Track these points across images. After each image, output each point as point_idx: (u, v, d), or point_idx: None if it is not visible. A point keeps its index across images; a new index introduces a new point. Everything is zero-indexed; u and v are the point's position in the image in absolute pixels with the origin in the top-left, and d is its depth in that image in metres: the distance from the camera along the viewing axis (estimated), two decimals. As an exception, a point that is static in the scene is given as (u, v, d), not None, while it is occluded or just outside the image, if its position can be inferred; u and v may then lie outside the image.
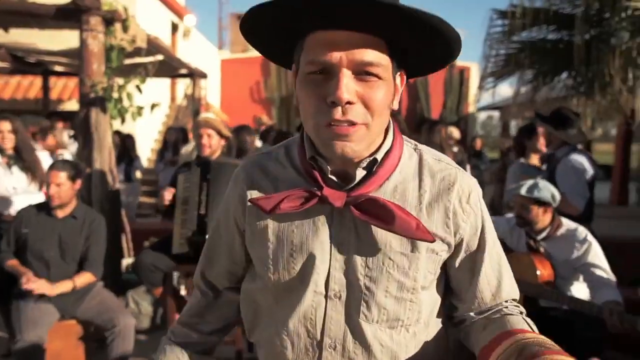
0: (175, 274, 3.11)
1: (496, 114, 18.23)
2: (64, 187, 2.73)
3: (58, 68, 6.93)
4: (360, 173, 0.85)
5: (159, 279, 2.82)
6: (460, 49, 0.82)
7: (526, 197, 2.47)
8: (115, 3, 3.81)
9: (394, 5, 0.73)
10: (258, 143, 6.97)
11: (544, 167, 3.52)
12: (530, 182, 2.54)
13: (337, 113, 0.76)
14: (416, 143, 0.95)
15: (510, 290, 0.96)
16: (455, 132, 5.08)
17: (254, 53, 15.39)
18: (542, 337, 0.80)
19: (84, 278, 2.69)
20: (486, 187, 5.59)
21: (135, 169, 6.42)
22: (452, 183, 0.89)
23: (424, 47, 0.83)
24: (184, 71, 7.34)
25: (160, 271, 2.82)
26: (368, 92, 0.78)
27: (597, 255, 2.40)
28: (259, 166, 0.95)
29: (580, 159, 3.03)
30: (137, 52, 4.43)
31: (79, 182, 2.85)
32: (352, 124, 0.78)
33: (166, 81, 10.68)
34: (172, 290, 2.94)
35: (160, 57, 5.90)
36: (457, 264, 0.92)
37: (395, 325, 0.88)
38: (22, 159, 3.19)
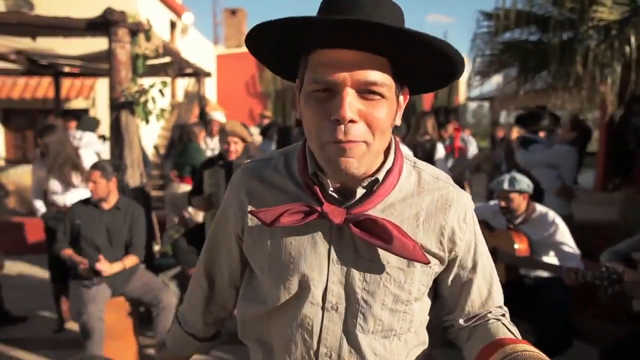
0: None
1: (486, 103, 18.71)
2: (100, 185, 3.13)
3: (67, 69, 7.31)
4: (360, 191, 0.88)
5: (194, 259, 3.26)
6: (463, 71, 0.84)
7: (508, 190, 2.92)
8: (137, 15, 4.20)
9: (400, 29, 0.75)
10: (258, 138, 7.38)
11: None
12: (507, 176, 2.97)
13: (340, 133, 0.77)
14: (415, 160, 0.97)
15: (497, 297, 1.01)
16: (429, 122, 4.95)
17: (250, 48, 15.68)
18: (529, 347, 0.84)
19: (130, 260, 3.14)
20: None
21: (146, 165, 6.82)
22: (449, 202, 0.92)
23: (427, 68, 0.84)
24: (189, 70, 7.71)
25: (195, 254, 3.26)
26: (371, 111, 0.79)
27: (564, 234, 2.87)
28: (258, 174, 0.96)
29: None
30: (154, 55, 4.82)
31: (114, 179, 3.25)
32: (354, 142, 0.79)
33: (167, 79, 11.02)
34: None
35: (168, 58, 6.30)
36: (450, 278, 0.96)
37: (389, 335, 0.91)
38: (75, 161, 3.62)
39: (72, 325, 3.83)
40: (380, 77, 0.79)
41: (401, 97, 0.87)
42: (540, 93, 6.38)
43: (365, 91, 0.79)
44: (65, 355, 3.26)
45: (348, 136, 0.78)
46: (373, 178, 0.87)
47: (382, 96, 0.80)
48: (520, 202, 2.92)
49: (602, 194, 10.16)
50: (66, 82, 9.66)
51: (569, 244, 2.87)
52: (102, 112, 9.32)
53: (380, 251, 0.88)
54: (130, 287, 3.14)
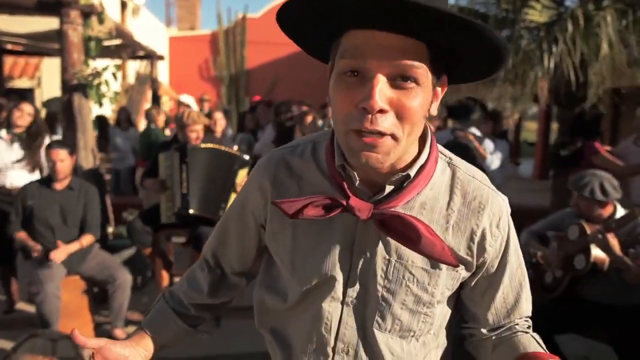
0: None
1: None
2: (66, 162, 3.20)
3: (9, 47, 7.06)
4: (389, 187, 0.82)
5: (149, 240, 3.37)
6: (508, 60, 0.76)
7: None
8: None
9: (451, 14, 0.67)
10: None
11: None
12: None
13: (367, 122, 0.72)
14: (451, 156, 0.90)
15: (525, 308, 0.95)
16: None
17: (203, 30, 15.38)
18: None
19: (87, 239, 3.21)
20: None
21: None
22: (483, 205, 0.86)
23: (471, 58, 0.76)
24: (141, 53, 7.61)
25: (149, 234, 3.37)
26: (403, 100, 0.72)
27: None
28: (284, 162, 0.92)
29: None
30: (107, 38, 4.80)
31: (74, 157, 3.32)
32: (381, 134, 0.73)
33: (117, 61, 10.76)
34: (160, 250, 3.50)
35: (120, 40, 6.22)
36: (473, 283, 0.91)
37: (407, 335, 0.89)
38: (29, 140, 3.57)
39: (23, 306, 3.85)
40: (415, 63, 0.72)
41: (439, 88, 0.80)
42: (481, 85, 6.79)
43: (399, 78, 0.72)
44: (17, 335, 3.29)
45: (375, 125, 0.72)
46: (404, 174, 0.81)
47: (417, 83, 0.73)
48: None
49: (540, 181, 10.89)
50: (8, 60, 9.25)
51: None
52: (48, 92, 9.02)
53: (406, 250, 0.84)
54: (86, 266, 3.21)
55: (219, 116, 4.49)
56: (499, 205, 0.87)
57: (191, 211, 3.31)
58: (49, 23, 5.05)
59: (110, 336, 3.26)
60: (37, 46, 6.75)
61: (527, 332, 0.94)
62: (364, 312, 0.87)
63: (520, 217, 3.78)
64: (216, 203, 3.37)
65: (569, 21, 3.74)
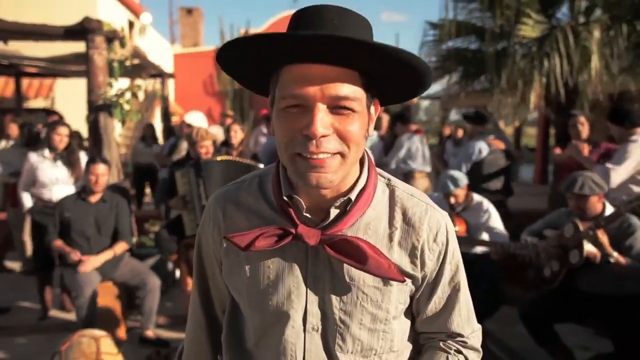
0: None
1: (438, 101, 19.67)
2: (106, 177, 3.49)
3: (29, 70, 7.39)
4: (334, 212, 0.87)
5: (175, 248, 3.63)
6: (431, 81, 0.84)
7: (454, 189, 3.46)
8: (112, 24, 4.49)
9: (367, 43, 0.74)
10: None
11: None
12: (447, 178, 3.49)
13: (312, 146, 0.78)
14: (390, 177, 0.96)
15: (459, 324, 0.97)
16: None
17: (206, 47, 15.66)
18: None
19: (121, 247, 3.48)
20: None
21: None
22: (422, 220, 0.91)
23: (396, 79, 0.84)
24: (152, 71, 7.94)
25: (175, 242, 3.63)
26: (343, 125, 0.79)
27: (495, 220, 3.47)
28: (232, 198, 0.96)
29: (478, 145, 4.37)
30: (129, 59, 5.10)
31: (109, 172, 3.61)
32: (329, 154, 0.79)
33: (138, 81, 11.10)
34: (185, 257, 3.76)
35: (137, 60, 6.54)
36: (418, 295, 0.96)
37: (369, 354, 0.91)
38: (68, 156, 3.89)
39: (56, 313, 4.10)
40: (351, 91, 0.79)
41: (372, 108, 0.87)
42: (479, 94, 7.07)
43: (337, 106, 0.79)
44: (52, 339, 3.53)
45: (320, 148, 0.79)
46: (346, 198, 0.88)
47: (353, 110, 0.80)
48: (461, 195, 3.48)
49: (541, 186, 11.11)
50: (24, 82, 9.59)
51: (499, 227, 3.46)
52: (62, 111, 9.33)
53: (356, 271, 0.88)
54: (118, 273, 3.48)
55: (236, 128, 4.74)
56: (436, 220, 0.93)
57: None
58: (66, 47, 5.36)
59: (142, 337, 3.51)
60: (53, 68, 7.08)
61: (446, 352, 0.97)
62: (326, 336, 0.90)
63: (523, 220, 4.06)
64: None
65: (559, 36, 4.02)
